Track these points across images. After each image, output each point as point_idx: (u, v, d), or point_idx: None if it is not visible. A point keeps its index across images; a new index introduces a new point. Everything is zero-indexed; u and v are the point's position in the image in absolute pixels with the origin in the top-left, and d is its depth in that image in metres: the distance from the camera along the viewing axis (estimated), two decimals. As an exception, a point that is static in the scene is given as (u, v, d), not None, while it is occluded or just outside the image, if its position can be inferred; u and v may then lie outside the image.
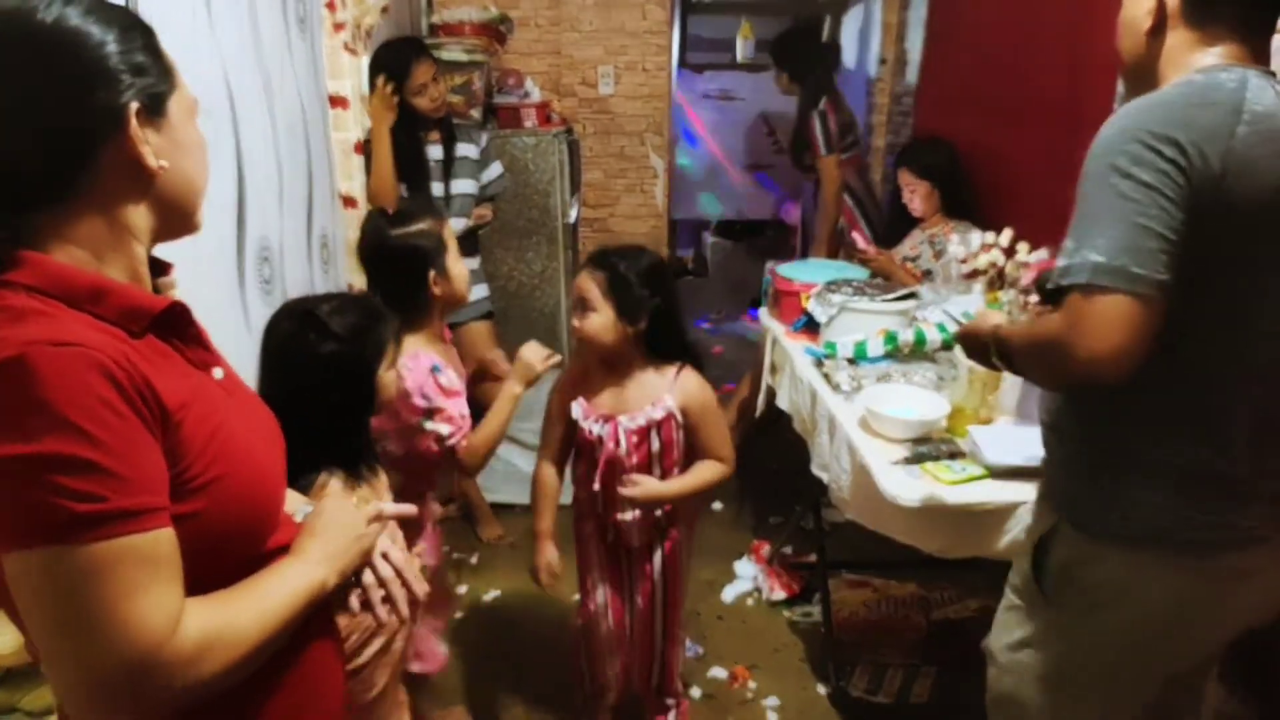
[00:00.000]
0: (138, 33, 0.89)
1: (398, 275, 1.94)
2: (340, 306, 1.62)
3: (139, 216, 0.91)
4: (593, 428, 2.00)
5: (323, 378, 1.56)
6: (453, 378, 1.99)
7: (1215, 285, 1.22)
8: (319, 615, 1.04)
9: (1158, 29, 1.32)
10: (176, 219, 0.96)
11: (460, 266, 2.00)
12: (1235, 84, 1.20)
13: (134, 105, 0.86)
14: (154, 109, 0.89)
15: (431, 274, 1.94)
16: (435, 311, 1.99)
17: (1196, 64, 1.27)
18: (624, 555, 2.12)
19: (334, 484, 1.53)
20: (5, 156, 0.84)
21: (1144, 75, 1.35)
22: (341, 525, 1.08)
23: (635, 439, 1.96)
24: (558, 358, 2.03)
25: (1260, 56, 1.28)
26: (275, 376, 1.56)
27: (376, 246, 1.98)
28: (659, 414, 1.95)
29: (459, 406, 1.96)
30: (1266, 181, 1.18)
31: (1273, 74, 1.27)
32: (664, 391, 1.96)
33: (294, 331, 1.58)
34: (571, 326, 2.02)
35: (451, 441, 1.92)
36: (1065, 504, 1.39)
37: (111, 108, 0.85)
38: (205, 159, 0.98)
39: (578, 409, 2.04)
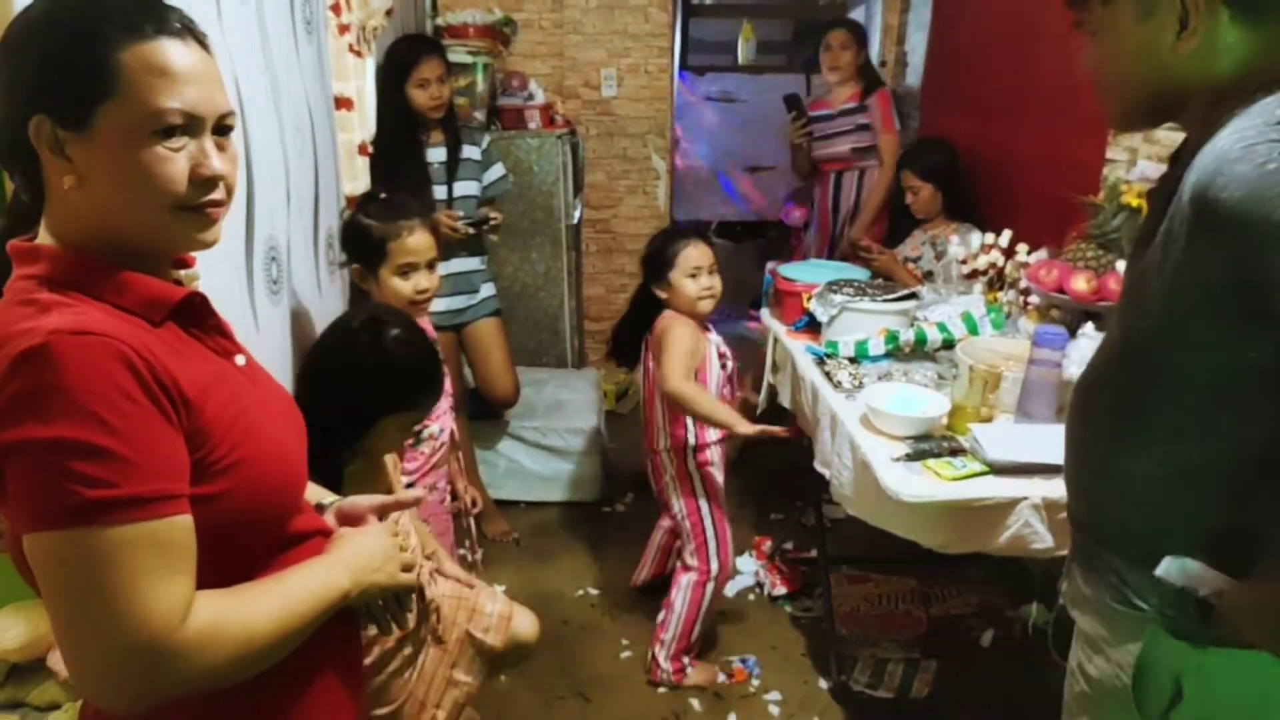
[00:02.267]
0: (83, 36, 0.86)
1: (344, 250, 2.12)
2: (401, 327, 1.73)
3: (100, 224, 0.89)
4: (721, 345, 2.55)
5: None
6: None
7: None
8: (338, 631, 1.05)
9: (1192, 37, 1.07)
10: (132, 237, 0.91)
11: (397, 284, 2.05)
12: None
13: (36, 118, 0.84)
14: (71, 123, 0.86)
15: (355, 267, 2.04)
16: (373, 299, 2.06)
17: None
18: None
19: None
20: None
21: (1172, 98, 1.12)
22: (373, 544, 1.09)
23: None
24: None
25: None
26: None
27: (347, 218, 2.10)
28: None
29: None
30: None
31: None
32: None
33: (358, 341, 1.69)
34: (703, 288, 2.43)
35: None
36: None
37: (20, 118, 0.85)
38: (153, 182, 0.89)
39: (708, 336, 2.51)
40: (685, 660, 2.59)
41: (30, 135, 0.85)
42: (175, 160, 0.89)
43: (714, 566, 2.54)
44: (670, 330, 2.42)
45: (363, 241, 2.02)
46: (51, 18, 0.86)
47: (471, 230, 3.06)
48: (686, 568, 2.56)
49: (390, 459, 1.83)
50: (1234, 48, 1.07)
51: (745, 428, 2.31)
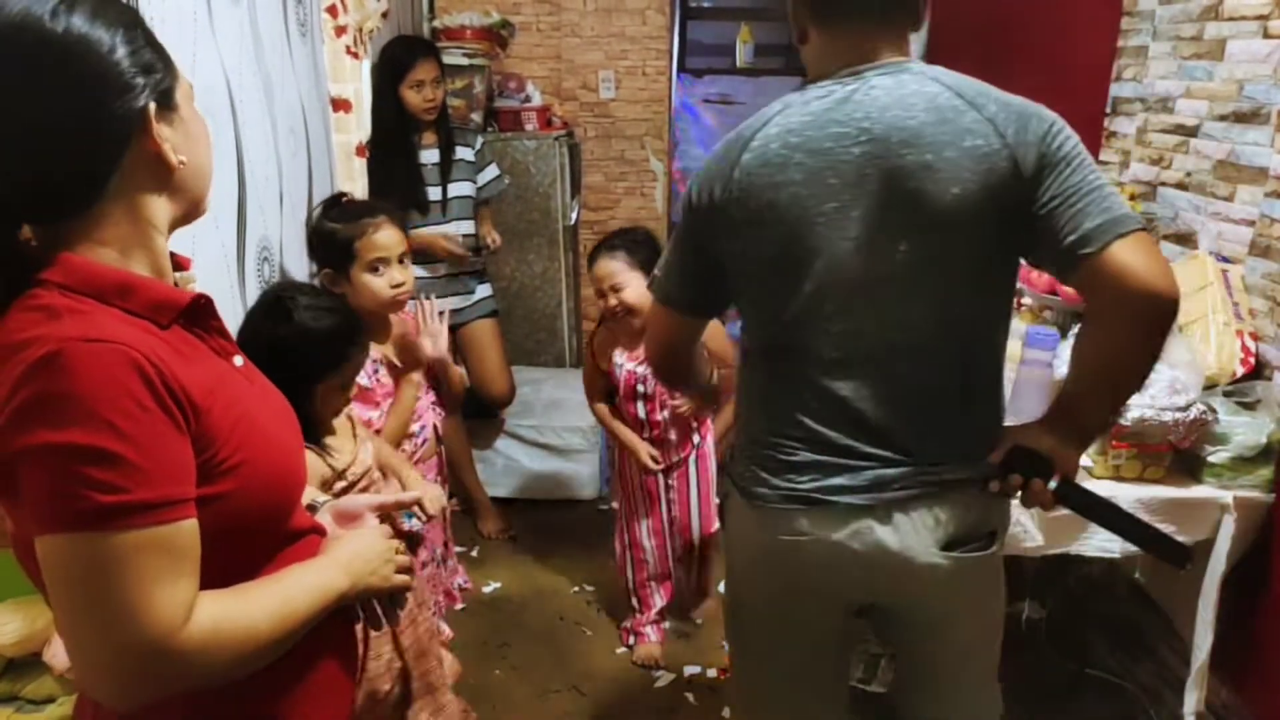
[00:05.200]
0: (139, 28, 0.89)
1: (311, 258, 2.11)
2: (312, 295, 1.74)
3: (159, 209, 0.93)
4: (636, 369, 2.49)
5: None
6: (383, 375, 2.07)
7: (757, 289, 1.38)
8: (334, 627, 1.07)
9: (802, 40, 1.37)
10: (191, 205, 0.98)
11: (373, 282, 2.03)
12: (778, 106, 1.31)
13: (151, 106, 0.87)
14: (165, 104, 0.90)
15: (326, 271, 2.02)
16: (349, 303, 2.05)
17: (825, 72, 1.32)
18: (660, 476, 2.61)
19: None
20: (34, 172, 0.85)
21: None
22: (369, 546, 1.11)
23: None
24: (444, 346, 2.20)
25: (877, 54, 1.30)
26: None
27: (311, 225, 2.09)
28: None
29: (365, 410, 2.03)
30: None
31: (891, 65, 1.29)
32: None
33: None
34: (607, 308, 2.41)
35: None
36: (728, 460, 1.57)
37: (130, 112, 0.86)
38: (210, 141, 1.00)
39: (621, 356, 2.51)
40: (645, 630, 2.73)
41: (150, 122, 0.88)
42: None
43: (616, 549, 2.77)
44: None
45: (329, 245, 2.01)
46: (95, 12, 0.85)
47: (469, 255, 3.13)
48: None
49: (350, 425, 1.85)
50: (814, 48, 1.35)
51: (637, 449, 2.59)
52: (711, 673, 2.62)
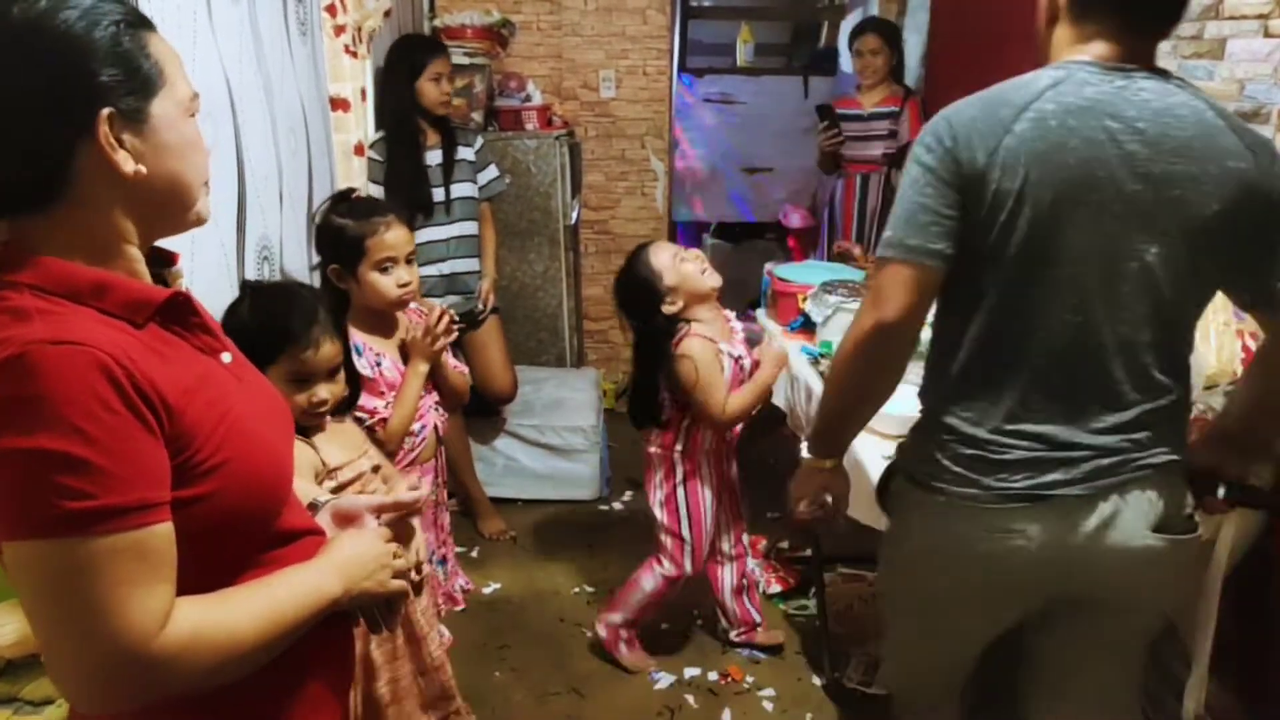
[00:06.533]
0: (119, 31, 0.86)
1: (319, 253, 2.10)
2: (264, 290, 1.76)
3: (126, 218, 0.90)
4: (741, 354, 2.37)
5: None
6: (386, 367, 2.07)
7: (992, 266, 1.33)
8: (330, 632, 1.05)
9: (1051, 21, 1.40)
10: (167, 218, 0.95)
11: (381, 281, 2.03)
12: (1048, 80, 1.29)
13: (104, 112, 0.84)
14: (132, 113, 0.87)
15: (334, 267, 2.03)
16: (355, 299, 2.06)
17: (1068, 57, 1.34)
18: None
19: None
20: None
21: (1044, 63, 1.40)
22: (366, 549, 1.08)
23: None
24: (454, 333, 2.15)
25: (1137, 55, 1.32)
26: None
27: (319, 221, 2.08)
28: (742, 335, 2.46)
29: (370, 400, 2.03)
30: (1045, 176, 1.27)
31: (1154, 72, 1.32)
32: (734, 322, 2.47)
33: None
34: (699, 267, 2.30)
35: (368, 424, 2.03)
36: (902, 450, 1.60)
37: (80, 115, 0.84)
38: (199, 156, 0.95)
39: (725, 346, 2.34)
40: (623, 634, 2.62)
41: (100, 124, 0.84)
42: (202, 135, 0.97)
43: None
44: (692, 360, 2.26)
45: (338, 242, 2.01)
46: (76, 12, 0.84)
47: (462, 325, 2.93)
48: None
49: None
50: (1062, 37, 1.37)
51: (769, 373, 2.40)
52: (713, 675, 2.62)
